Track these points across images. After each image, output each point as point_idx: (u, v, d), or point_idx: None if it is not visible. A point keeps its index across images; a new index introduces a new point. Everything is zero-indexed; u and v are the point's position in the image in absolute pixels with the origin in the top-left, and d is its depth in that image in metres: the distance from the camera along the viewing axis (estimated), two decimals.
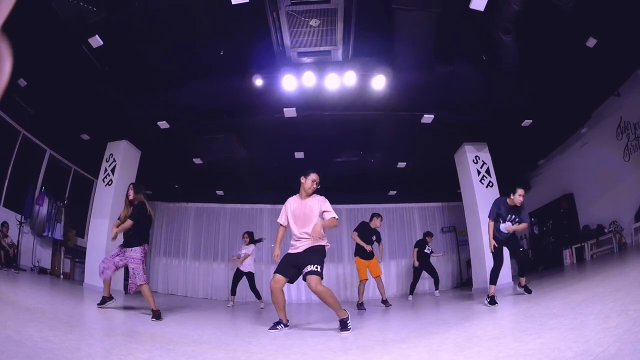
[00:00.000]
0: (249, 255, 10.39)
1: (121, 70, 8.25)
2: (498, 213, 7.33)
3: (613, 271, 6.78)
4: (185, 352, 3.71)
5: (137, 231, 6.34)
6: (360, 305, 9.01)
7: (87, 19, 6.56)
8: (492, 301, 6.66)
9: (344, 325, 4.97)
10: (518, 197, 7.13)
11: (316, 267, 5.10)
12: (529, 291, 7.10)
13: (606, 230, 10.47)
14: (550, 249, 13.47)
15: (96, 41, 7.27)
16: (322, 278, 5.12)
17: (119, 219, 6.63)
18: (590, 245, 10.92)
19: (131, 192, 6.53)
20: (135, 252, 6.20)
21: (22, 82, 8.19)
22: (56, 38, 7.16)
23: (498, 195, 10.81)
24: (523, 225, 7.32)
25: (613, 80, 9.47)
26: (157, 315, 5.92)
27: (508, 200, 7.30)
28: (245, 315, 8.36)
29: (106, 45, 7.39)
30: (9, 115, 9.61)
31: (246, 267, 10.37)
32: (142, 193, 6.57)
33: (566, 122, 10.94)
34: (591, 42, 7.78)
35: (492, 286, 6.93)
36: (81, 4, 6.26)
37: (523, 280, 7.36)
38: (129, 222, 6.25)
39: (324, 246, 5.41)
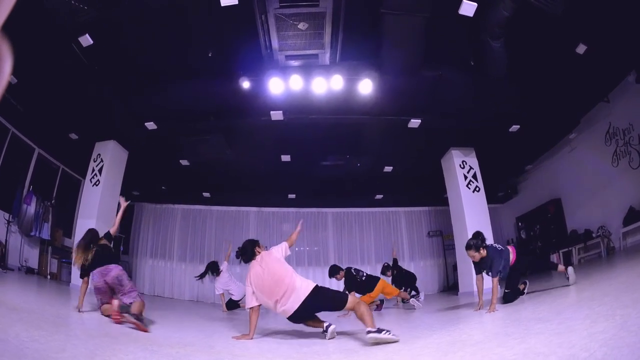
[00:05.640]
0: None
1: (110, 70, 8.22)
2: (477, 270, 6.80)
3: (601, 275, 6.82)
4: (169, 354, 3.70)
5: None
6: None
7: (78, 18, 6.53)
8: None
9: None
10: (471, 257, 6.61)
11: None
12: (521, 293, 6.81)
13: (594, 235, 10.55)
14: (537, 253, 13.50)
15: (86, 40, 7.24)
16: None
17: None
18: (578, 249, 11.01)
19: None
20: None
21: (13, 80, 8.09)
22: (47, 36, 7.11)
23: (485, 201, 10.92)
24: (494, 285, 6.30)
25: (603, 87, 9.56)
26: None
27: None
28: (231, 318, 8.31)
29: (96, 44, 7.35)
30: None
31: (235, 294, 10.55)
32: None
33: (555, 128, 11.02)
34: (581, 49, 7.86)
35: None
36: (73, 2, 6.21)
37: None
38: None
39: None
